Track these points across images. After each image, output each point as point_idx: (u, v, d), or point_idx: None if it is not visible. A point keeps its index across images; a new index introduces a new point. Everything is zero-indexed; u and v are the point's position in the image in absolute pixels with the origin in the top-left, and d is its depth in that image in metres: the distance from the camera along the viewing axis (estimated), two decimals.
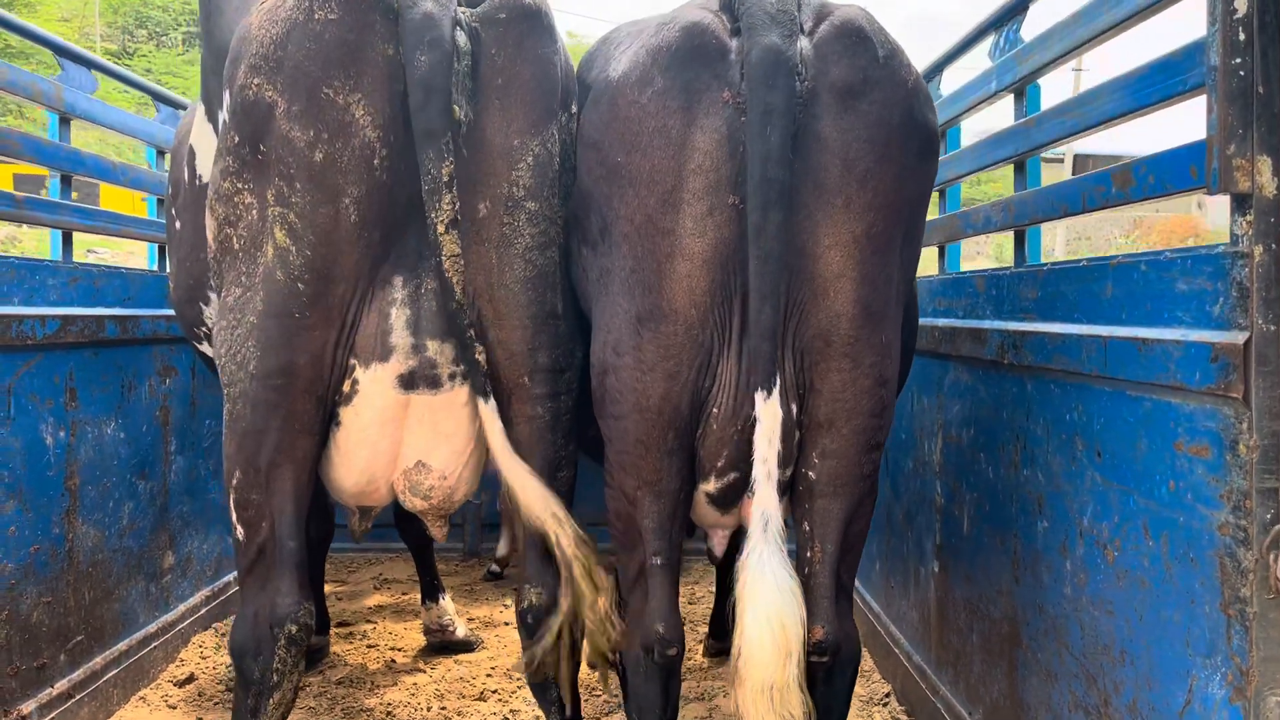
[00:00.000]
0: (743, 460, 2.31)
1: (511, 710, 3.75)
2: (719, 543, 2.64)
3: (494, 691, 3.93)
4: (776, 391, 2.15)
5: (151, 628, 3.95)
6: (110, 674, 3.61)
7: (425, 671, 4.17)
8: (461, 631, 4.45)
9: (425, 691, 3.92)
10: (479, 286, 2.51)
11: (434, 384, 2.54)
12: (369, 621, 4.82)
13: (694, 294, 2.21)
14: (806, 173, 2.15)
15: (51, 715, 3.23)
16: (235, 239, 2.46)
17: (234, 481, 2.54)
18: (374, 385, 2.52)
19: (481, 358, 2.43)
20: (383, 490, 2.70)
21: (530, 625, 2.67)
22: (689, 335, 2.23)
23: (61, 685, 3.31)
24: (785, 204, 2.09)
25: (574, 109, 2.63)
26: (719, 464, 2.34)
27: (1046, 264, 2.65)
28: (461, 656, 4.36)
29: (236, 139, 2.41)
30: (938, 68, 3.65)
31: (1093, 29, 2.35)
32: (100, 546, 3.59)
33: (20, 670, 3.11)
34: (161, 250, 4.24)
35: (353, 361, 2.51)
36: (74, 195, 3.71)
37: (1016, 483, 2.77)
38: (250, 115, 2.36)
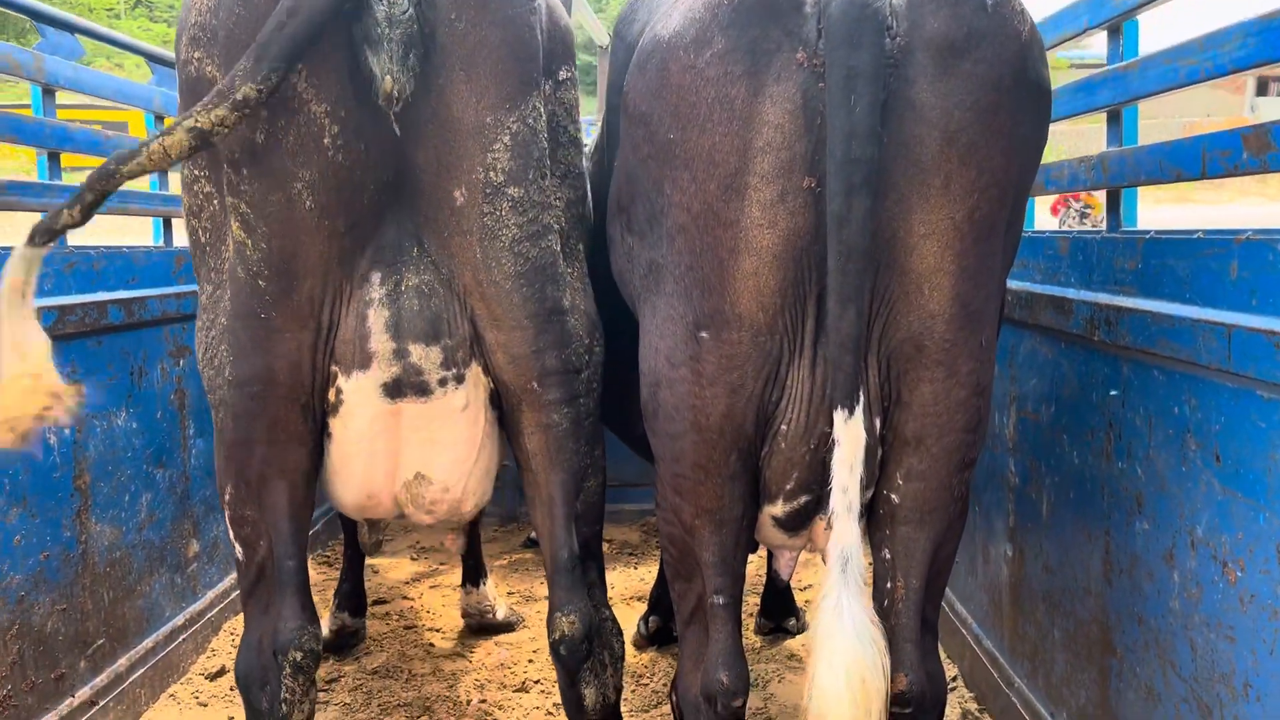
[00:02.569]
0: (816, 482, 2.02)
1: (555, 703, 3.55)
2: (785, 565, 2.37)
3: (536, 682, 3.74)
4: (860, 409, 1.85)
5: (179, 620, 3.79)
6: (136, 674, 3.45)
7: (465, 657, 3.98)
8: (501, 613, 4.27)
9: (465, 682, 3.74)
10: (468, 284, 2.23)
11: (422, 391, 2.26)
12: (405, 598, 4.65)
13: (762, 295, 1.89)
14: (898, 148, 1.80)
15: None
16: (201, 231, 2.22)
17: (227, 496, 2.33)
18: (358, 395, 2.26)
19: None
20: (386, 504, 2.47)
21: (565, 658, 2.40)
22: (755, 343, 1.92)
23: (84, 693, 3.15)
24: (872, 188, 1.75)
25: (567, 72, 2.30)
26: (788, 486, 2.04)
27: (1149, 231, 2.31)
28: (502, 638, 4.18)
29: None
30: None
31: None
32: (118, 543, 3.40)
33: (36, 684, 2.94)
34: (167, 224, 3.99)
35: (335, 369, 2.25)
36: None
37: (1109, 474, 2.47)
38: (195, 93, 2.10)
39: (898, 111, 1.80)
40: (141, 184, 4.46)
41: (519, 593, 4.70)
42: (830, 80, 1.75)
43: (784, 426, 1.99)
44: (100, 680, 3.25)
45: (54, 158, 3.25)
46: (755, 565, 4.98)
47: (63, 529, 3.10)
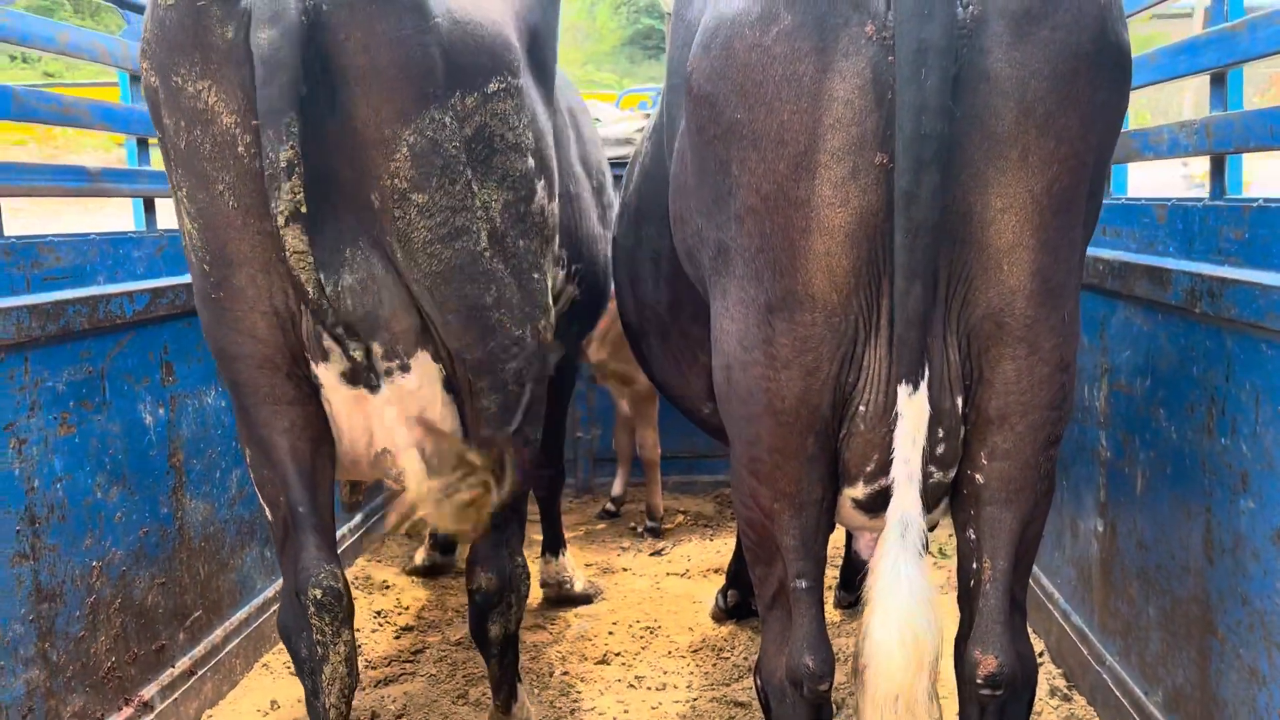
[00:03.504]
0: None
1: (636, 676, 3.58)
2: (866, 545, 2.35)
3: (617, 654, 3.77)
4: (924, 384, 1.82)
5: (269, 592, 3.89)
6: (231, 645, 3.56)
7: (545, 629, 4.03)
8: (580, 585, 4.31)
9: (547, 655, 3.79)
10: (404, 280, 2.37)
11: (371, 382, 2.44)
12: None
13: (835, 275, 1.86)
14: (974, 120, 1.75)
15: (174, 695, 3.18)
16: (178, 220, 2.42)
17: (248, 459, 2.58)
18: (328, 381, 2.45)
19: (354, 357, 2.34)
20: (365, 470, 2.68)
21: (479, 604, 2.72)
22: (829, 324, 1.89)
23: (183, 664, 3.26)
24: (942, 163, 1.70)
25: (499, 84, 2.38)
26: (868, 468, 2.02)
27: (1256, 199, 2.22)
28: (581, 610, 4.22)
29: (151, 121, 2.37)
30: None
31: None
32: (211, 519, 3.50)
33: (138, 656, 3.05)
34: None
35: (307, 355, 2.43)
36: None
37: (1211, 451, 2.40)
38: (147, 99, 2.33)
39: (971, 83, 1.75)
40: None
41: (596, 564, 4.74)
42: (900, 54, 1.70)
43: (862, 408, 1.96)
44: (198, 651, 3.35)
45: (142, 144, 3.32)
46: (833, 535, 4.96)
47: (160, 506, 3.19)
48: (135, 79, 3.25)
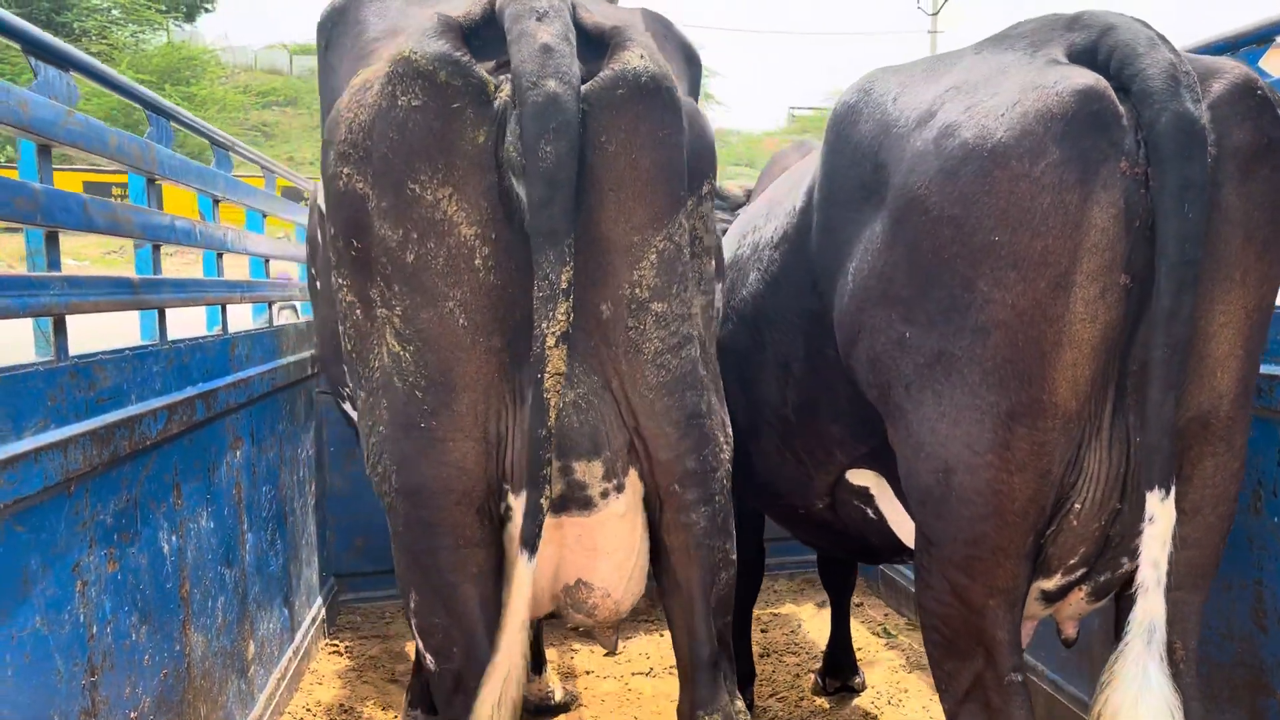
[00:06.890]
0: (1095, 555, 2.14)
1: None
2: (1025, 634, 2.47)
3: None
4: (1173, 489, 1.97)
5: None
6: None
7: None
8: (559, 695, 4.22)
9: None
10: (615, 392, 2.22)
11: (586, 505, 2.25)
12: None
13: (1077, 385, 2.00)
14: (1205, 245, 1.96)
15: None
16: (347, 338, 2.20)
17: (412, 604, 2.25)
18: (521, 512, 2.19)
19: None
20: (545, 605, 2.43)
21: None
22: (1065, 430, 2.03)
23: None
24: (1196, 286, 1.91)
25: (708, 186, 2.32)
26: (1071, 561, 2.15)
27: None
28: (562, 717, 4.12)
29: (333, 230, 2.16)
30: None
31: None
32: (206, 653, 3.19)
33: None
34: (223, 310, 3.78)
35: (505, 486, 2.20)
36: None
37: (1259, 529, 2.69)
38: (343, 207, 2.10)
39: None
40: (196, 270, 4.24)
41: (554, 666, 4.62)
42: (1165, 189, 1.89)
43: (1078, 505, 2.10)
44: None
45: (155, 249, 3.07)
46: (818, 625, 5.04)
47: (174, 643, 2.90)
48: (151, 181, 3.02)
